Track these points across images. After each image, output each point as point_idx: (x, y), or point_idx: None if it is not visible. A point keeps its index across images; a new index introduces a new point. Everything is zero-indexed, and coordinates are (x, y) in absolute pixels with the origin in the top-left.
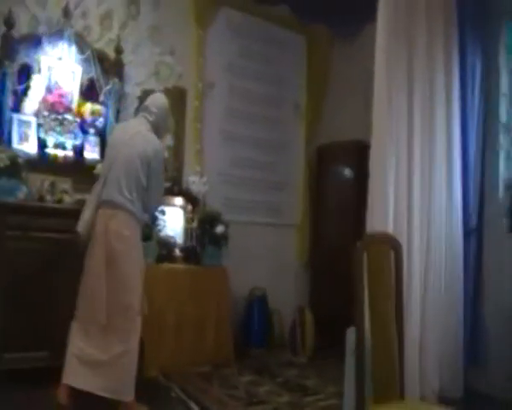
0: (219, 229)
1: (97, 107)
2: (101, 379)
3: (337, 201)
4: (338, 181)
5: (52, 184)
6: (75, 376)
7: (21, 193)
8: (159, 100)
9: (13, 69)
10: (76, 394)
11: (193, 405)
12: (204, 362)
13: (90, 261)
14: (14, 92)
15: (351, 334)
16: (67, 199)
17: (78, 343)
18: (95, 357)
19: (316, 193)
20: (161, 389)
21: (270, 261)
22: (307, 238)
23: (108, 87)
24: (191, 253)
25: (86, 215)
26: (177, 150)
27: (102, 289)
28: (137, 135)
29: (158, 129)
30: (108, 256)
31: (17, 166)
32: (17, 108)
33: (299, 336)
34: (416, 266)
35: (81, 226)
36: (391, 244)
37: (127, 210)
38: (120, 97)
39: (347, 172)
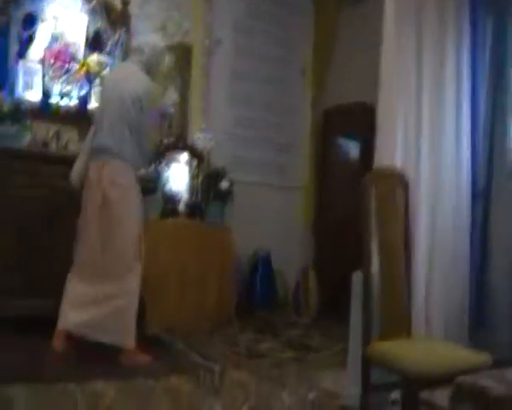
0: (224, 184)
1: (103, 57)
2: (98, 322)
3: (343, 163)
4: (344, 144)
5: (57, 133)
6: (70, 320)
7: (25, 140)
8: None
9: (18, 17)
10: (76, 343)
11: (196, 357)
12: (206, 320)
13: (85, 207)
14: (20, 40)
15: (357, 277)
16: (73, 147)
17: (74, 287)
18: (90, 299)
19: (321, 155)
20: (164, 343)
21: (275, 222)
22: (313, 201)
23: (115, 38)
24: (196, 209)
25: (79, 163)
26: (182, 107)
27: (96, 234)
28: (130, 75)
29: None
30: (103, 202)
31: (20, 113)
32: (23, 56)
33: (302, 298)
34: (422, 227)
35: (74, 174)
36: (399, 180)
37: (120, 157)
38: (127, 50)
39: (353, 144)
